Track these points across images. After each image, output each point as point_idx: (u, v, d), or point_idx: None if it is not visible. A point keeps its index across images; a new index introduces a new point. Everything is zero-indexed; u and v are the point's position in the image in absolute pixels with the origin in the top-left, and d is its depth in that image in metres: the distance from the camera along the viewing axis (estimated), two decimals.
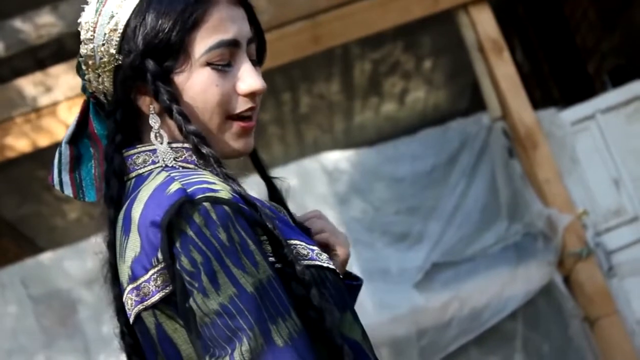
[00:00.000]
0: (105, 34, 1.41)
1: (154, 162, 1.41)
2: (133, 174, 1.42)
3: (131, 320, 1.37)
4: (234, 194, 1.31)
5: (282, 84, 7.58)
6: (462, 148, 5.67)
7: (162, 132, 1.41)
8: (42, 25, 5.78)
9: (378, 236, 5.55)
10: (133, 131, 1.44)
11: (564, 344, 5.36)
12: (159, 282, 1.31)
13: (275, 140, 9.06)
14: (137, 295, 1.33)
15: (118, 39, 1.40)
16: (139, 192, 1.36)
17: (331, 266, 1.39)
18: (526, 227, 5.49)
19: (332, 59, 7.41)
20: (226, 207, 1.27)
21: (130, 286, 1.34)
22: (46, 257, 5.70)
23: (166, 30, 1.37)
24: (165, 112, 1.38)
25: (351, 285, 1.50)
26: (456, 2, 5.74)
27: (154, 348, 1.36)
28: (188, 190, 1.29)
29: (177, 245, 1.27)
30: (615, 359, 5.28)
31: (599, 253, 5.45)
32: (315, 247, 1.40)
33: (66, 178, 1.49)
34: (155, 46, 1.38)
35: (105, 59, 1.42)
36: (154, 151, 1.41)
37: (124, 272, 1.35)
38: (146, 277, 1.31)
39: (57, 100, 5.63)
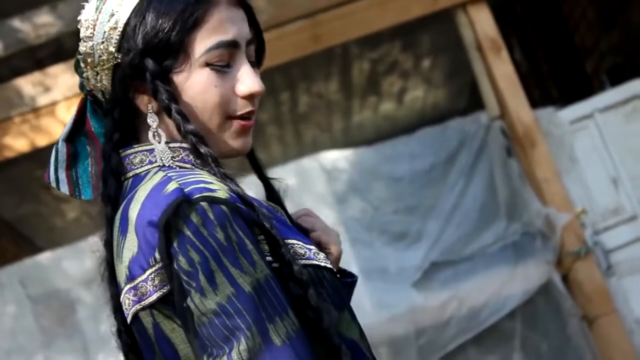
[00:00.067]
0: (105, 32, 1.41)
1: (151, 162, 1.41)
2: (130, 174, 1.42)
3: (128, 320, 1.37)
4: (232, 194, 1.31)
5: (281, 83, 7.58)
6: (460, 147, 5.67)
7: (159, 131, 1.41)
8: (40, 25, 5.78)
9: (377, 235, 5.55)
10: (131, 130, 1.44)
11: (562, 343, 5.36)
12: (156, 282, 1.31)
13: (274, 140, 9.06)
14: (134, 295, 1.33)
15: (118, 38, 1.40)
16: (136, 192, 1.36)
17: (328, 265, 1.39)
18: (525, 226, 5.49)
19: (331, 58, 7.41)
20: (223, 207, 1.27)
21: (128, 286, 1.34)
22: (45, 257, 5.70)
23: (166, 29, 1.38)
24: (163, 111, 1.39)
25: (346, 282, 1.50)
26: (455, 1, 5.74)
27: (151, 348, 1.36)
28: (185, 190, 1.29)
29: (175, 244, 1.27)
30: (613, 357, 5.28)
31: (598, 252, 5.45)
32: (312, 247, 1.40)
33: (62, 175, 1.49)
34: (155, 45, 1.38)
35: (104, 57, 1.42)
36: (151, 151, 1.42)
37: (122, 272, 1.35)
38: (144, 276, 1.31)
39: (56, 100, 5.63)
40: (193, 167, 1.40)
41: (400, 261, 5.49)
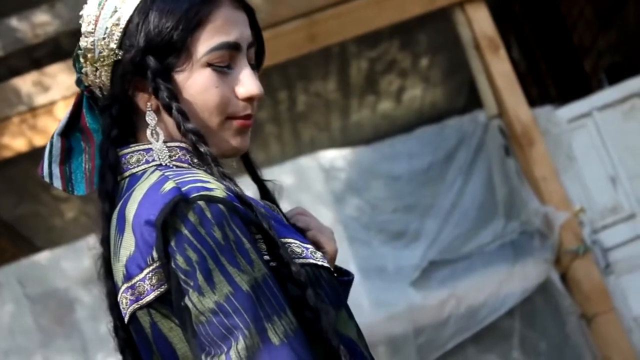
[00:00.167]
0: (106, 27, 1.41)
1: (147, 161, 1.41)
2: (127, 173, 1.41)
3: (126, 319, 1.37)
4: (229, 193, 1.31)
5: (279, 83, 7.58)
6: (458, 146, 5.67)
7: (158, 129, 1.41)
8: (38, 24, 5.78)
9: (375, 234, 5.55)
10: (129, 127, 1.44)
11: (561, 342, 5.37)
12: (154, 281, 1.30)
13: (272, 139, 9.05)
14: (132, 295, 1.33)
15: (120, 34, 1.40)
16: (132, 191, 1.36)
17: (325, 264, 1.40)
18: (523, 225, 5.49)
19: (329, 58, 7.41)
20: (221, 206, 1.27)
21: (125, 285, 1.34)
22: (43, 256, 5.70)
23: (169, 28, 1.38)
24: (164, 109, 1.39)
25: (343, 281, 1.50)
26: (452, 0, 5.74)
27: (149, 347, 1.36)
28: (183, 189, 1.29)
29: (172, 243, 1.27)
30: (612, 356, 5.29)
31: (596, 250, 5.45)
32: (309, 246, 1.40)
33: (56, 170, 1.48)
34: (158, 44, 1.38)
35: (104, 53, 1.42)
36: (147, 150, 1.42)
37: (119, 271, 1.35)
38: (141, 276, 1.31)
39: (54, 99, 5.63)
40: (190, 166, 1.40)
41: (398, 260, 5.49)
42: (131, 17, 1.40)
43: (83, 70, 1.46)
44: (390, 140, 5.84)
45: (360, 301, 5.27)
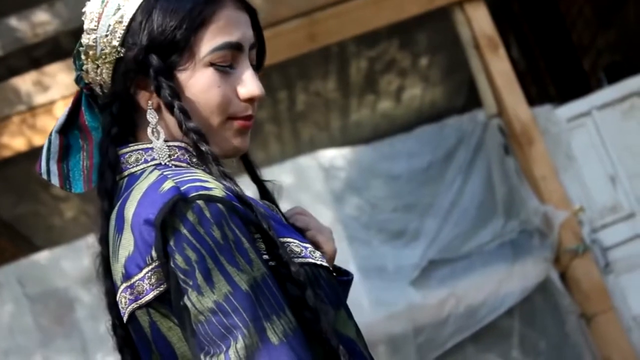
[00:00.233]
0: (109, 25, 1.41)
1: (146, 161, 1.41)
2: (125, 173, 1.42)
3: (125, 319, 1.37)
4: (228, 192, 1.31)
5: (279, 82, 7.58)
6: (458, 145, 5.67)
7: (158, 128, 1.41)
8: (37, 23, 5.78)
9: (374, 233, 5.55)
10: (129, 126, 1.44)
11: (560, 341, 5.37)
12: (153, 281, 1.30)
13: (272, 138, 9.05)
14: (131, 294, 1.33)
15: (122, 32, 1.40)
16: (131, 190, 1.36)
17: (325, 264, 1.40)
18: (522, 224, 5.49)
19: (328, 57, 7.41)
20: (220, 205, 1.28)
21: (124, 285, 1.34)
22: (43, 256, 5.69)
23: (173, 27, 1.38)
24: (166, 107, 1.39)
25: (342, 280, 1.50)
26: None
27: (148, 347, 1.36)
28: (181, 189, 1.29)
29: (171, 243, 1.27)
30: (611, 355, 5.29)
31: (595, 249, 5.45)
32: (308, 245, 1.40)
33: (54, 167, 1.48)
34: (161, 42, 1.39)
35: (106, 51, 1.42)
36: (146, 150, 1.42)
37: (117, 271, 1.35)
38: (140, 275, 1.31)
39: (53, 99, 5.63)
40: (189, 166, 1.40)
41: (398, 259, 5.49)
42: (134, 15, 1.40)
43: (84, 67, 1.46)
44: (389, 139, 5.84)
45: (360, 300, 5.27)
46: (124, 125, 1.43)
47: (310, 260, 1.38)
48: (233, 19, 1.42)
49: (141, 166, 1.41)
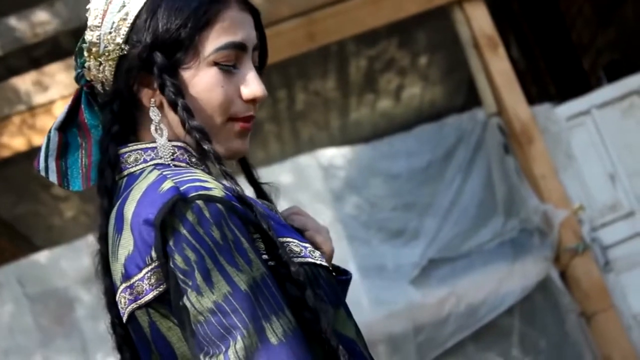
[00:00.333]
0: (114, 22, 1.41)
1: (145, 161, 1.41)
2: (124, 173, 1.41)
3: (124, 319, 1.36)
4: (227, 192, 1.31)
5: (278, 81, 7.58)
6: (457, 144, 5.67)
7: (162, 125, 1.41)
8: (37, 23, 5.77)
9: (374, 232, 5.55)
10: (129, 124, 1.44)
11: (560, 339, 5.37)
12: (152, 281, 1.30)
13: (272, 138, 9.05)
14: (130, 294, 1.33)
15: (127, 29, 1.41)
16: (131, 190, 1.36)
17: (324, 263, 1.40)
18: (522, 223, 5.49)
19: (328, 56, 7.41)
20: (219, 205, 1.28)
21: (124, 285, 1.34)
22: (43, 255, 5.70)
23: (178, 26, 1.39)
24: (169, 105, 1.39)
25: (341, 280, 1.50)
26: None
27: (148, 347, 1.36)
28: (181, 189, 1.29)
29: (171, 243, 1.26)
30: (612, 353, 5.29)
31: (595, 248, 5.46)
32: (307, 245, 1.40)
33: (52, 165, 1.48)
34: (165, 40, 1.39)
35: (110, 48, 1.42)
36: (145, 149, 1.42)
37: (117, 271, 1.35)
38: (140, 275, 1.31)
39: (53, 98, 5.63)
40: (188, 165, 1.40)
41: (397, 258, 5.49)
42: (139, 12, 1.40)
43: (86, 64, 1.46)
44: (389, 138, 5.84)
45: (360, 300, 5.27)
46: (125, 123, 1.43)
47: (310, 259, 1.38)
48: (237, 20, 1.42)
49: (140, 166, 1.40)
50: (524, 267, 5.44)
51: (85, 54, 1.46)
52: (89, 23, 1.45)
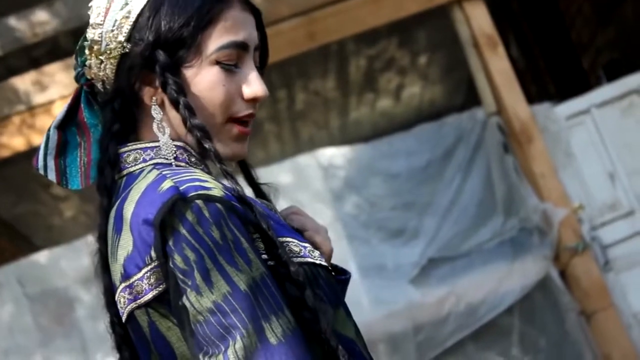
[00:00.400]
0: (116, 20, 1.41)
1: (144, 160, 1.41)
2: (124, 172, 1.41)
3: (124, 318, 1.36)
4: (226, 192, 1.31)
5: (278, 81, 7.58)
6: (457, 143, 5.68)
7: (164, 124, 1.41)
8: (37, 23, 5.77)
9: (374, 232, 5.55)
10: (130, 122, 1.44)
11: (560, 338, 5.37)
12: (152, 281, 1.30)
13: (272, 137, 9.05)
14: (130, 294, 1.33)
15: (129, 27, 1.41)
16: (130, 190, 1.36)
17: (323, 263, 1.39)
18: (522, 222, 5.49)
19: (328, 56, 7.41)
20: (219, 205, 1.27)
21: (123, 284, 1.34)
22: (42, 255, 5.70)
23: (181, 24, 1.39)
24: (171, 104, 1.39)
25: (340, 280, 1.50)
26: None
27: (147, 346, 1.36)
28: (180, 188, 1.28)
29: (170, 243, 1.26)
30: (611, 352, 5.29)
31: (595, 247, 5.46)
32: (307, 244, 1.40)
33: (51, 163, 1.48)
34: (168, 39, 1.39)
35: (111, 46, 1.42)
36: (144, 149, 1.42)
37: (116, 271, 1.35)
38: (139, 275, 1.31)
39: (52, 98, 5.63)
40: (187, 165, 1.40)
41: (397, 258, 5.49)
42: (142, 10, 1.40)
43: (87, 62, 1.46)
44: (389, 137, 5.84)
45: (360, 299, 5.27)
46: (126, 122, 1.43)
47: (310, 259, 1.38)
48: (240, 19, 1.43)
49: (139, 165, 1.40)
50: (524, 266, 5.44)
51: (87, 52, 1.46)
52: (91, 21, 1.45)
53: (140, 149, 1.42)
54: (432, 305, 5.37)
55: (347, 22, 5.77)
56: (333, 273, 1.47)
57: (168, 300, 1.29)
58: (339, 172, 5.71)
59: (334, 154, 5.76)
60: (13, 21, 5.80)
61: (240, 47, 1.42)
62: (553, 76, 8.35)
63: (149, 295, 1.31)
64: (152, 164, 1.40)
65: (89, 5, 1.47)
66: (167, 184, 1.30)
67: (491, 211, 5.56)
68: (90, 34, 1.45)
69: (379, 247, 5.52)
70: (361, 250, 5.49)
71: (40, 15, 5.78)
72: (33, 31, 5.79)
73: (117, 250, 1.34)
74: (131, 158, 1.42)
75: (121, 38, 1.41)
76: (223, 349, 1.23)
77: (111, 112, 1.42)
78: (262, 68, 1.51)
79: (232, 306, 1.23)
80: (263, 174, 1.59)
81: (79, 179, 1.48)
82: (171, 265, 1.27)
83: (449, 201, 5.58)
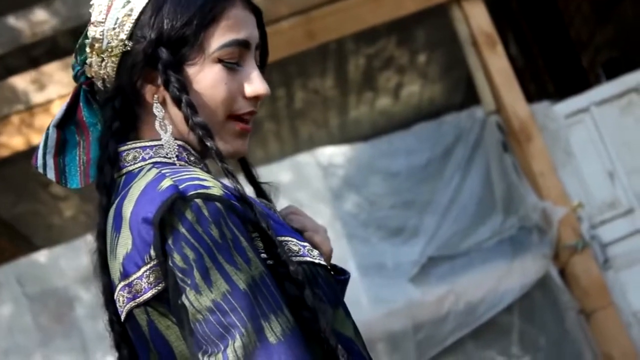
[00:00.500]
0: (118, 18, 1.41)
1: (144, 159, 1.41)
2: (123, 171, 1.41)
3: (123, 317, 1.36)
4: (226, 191, 1.31)
5: (277, 80, 7.58)
6: (456, 142, 5.68)
7: (166, 122, 1.41)
8: (36, 22, 5.77)
9: (373, 231, 5.55)
10: (130, 120, 1.44)
11: (560, 337, 5.37)
12: (151, 279, 1.30)
13: (271, 136, 9.05)
14: (129, 293, 1.33)
15: (131, 25, 1.41)
16: (129, 188, 1.36)
17: (322, 262, 1.40)
18: (521, 221, 5.49)
19: (327, 54, 7.41)
20: (218, 204, 1.27)
21: (122, 283, 1.34)
22: (42, 255, 5.69)
23: (184, 22, 1.39)
24: (173, 101, 1.39)
25: (339, 279, 1.50)
26: None
27: (146, 345, 1.36)
28: (180, 187, 1.28)
29: (170, 242, 1.26)
30: (611, 351, 5.29)
31: (595, 245, 5.46)
32: (306, 244, 1.40)
33: (50, 162, 1.48)
34: (171, 37, 1.39)
35: (113, 44, 1.42)
36: (144, 148, 1.42)
37: (115, 269, 1.35)
38: (138, 274, 1.31)
39: (51, 98, 5.63)
40: (187, 164, 1.40)
41: (397, 256, 5.49)
42: (144, 9, 1.41)
43: (88, 60, 1.46)
44: (388, 136, 5.84)
45: (359, 298, 5.27)
46: (126, 120, 1.43)
47: (309, 259, 1.38)
48: (241, 18, 1.43)
49: (139, 164, 1.40)
50: (523, 264, 5.44)
51: (88, 50, 1.46)
52: (93, 18, 1.45)
53: (140, 147, 1.42)
54: (432, 304, 5.37)
55: (346, 21, 5.77)
56: (332, 273, 1.47)
57: (167, 299, 1.29)
58: (339, 170, 5.71)
59: (334, 153, 5.76)
60: (12, 20, 5.80)
61: (242, 46, 1.42)
62: (552, 75, 8.35)
63: (148, 294, 1.31)
64: (151, 163, 1.40)
65: (91, 3, 1.47)
66: (166, 183, 1.30)
67: (490, 210, 5.56)
68: (92, 31, 1.45)
69: (379, 246, 5.52)
70: (361, 248, 5.49)
71: (39, 15, 5.78)
72: (32, 30, 5.79)
73: (116, 248, 1.34)
74: (130, 157, 1.42)
75: (123, 36, 1.41)
76: (222, 348, 1.23)
77: (111, 110, 1.42)
78: (262, 67, 1.52)
79: (231, 305, 1.23)
80: (262, 173, 1.59)
81: (78, 177, 1.48)
82: (170, 264, 1.27)
83: (449, 200, 5.58)
